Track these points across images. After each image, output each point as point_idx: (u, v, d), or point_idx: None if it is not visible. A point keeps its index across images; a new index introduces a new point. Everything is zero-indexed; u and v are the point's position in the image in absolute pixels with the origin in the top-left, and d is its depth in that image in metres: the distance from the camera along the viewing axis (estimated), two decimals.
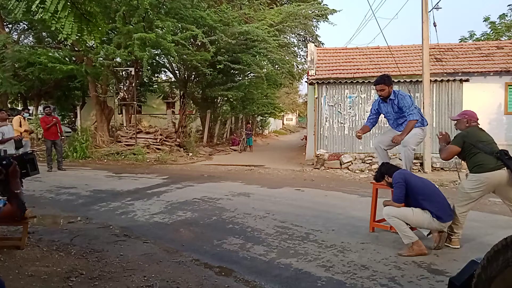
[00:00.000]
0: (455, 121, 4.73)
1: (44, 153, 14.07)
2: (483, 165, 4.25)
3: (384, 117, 5.50)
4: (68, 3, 3.80)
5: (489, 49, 14.78)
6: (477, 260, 2.07)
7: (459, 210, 4.45)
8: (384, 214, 4.50)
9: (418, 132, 5.10)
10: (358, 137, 5.51)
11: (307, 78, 15.13)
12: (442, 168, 11.36)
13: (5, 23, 18.22)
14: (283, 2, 24.08)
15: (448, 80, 11.63)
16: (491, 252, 1.91)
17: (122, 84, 17.09)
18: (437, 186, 4.85)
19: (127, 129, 16.38)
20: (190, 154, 15.58)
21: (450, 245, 4.49)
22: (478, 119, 4.60)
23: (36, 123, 16.32)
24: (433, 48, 13.40)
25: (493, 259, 1.88)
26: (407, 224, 4.36)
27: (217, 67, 15.96)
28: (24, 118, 10.71)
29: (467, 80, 11.57)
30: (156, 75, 21.68)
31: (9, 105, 21.34)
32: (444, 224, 4.33)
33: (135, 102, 16.54)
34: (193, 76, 19.05)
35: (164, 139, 15.99)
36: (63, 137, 12.06)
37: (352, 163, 11.82)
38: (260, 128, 33.59)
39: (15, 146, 8.92)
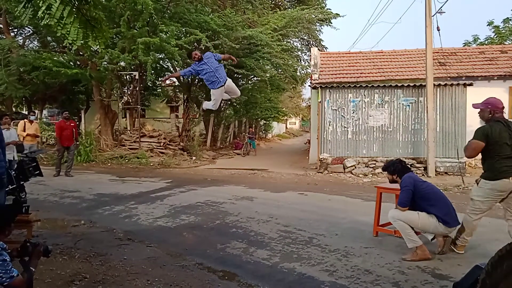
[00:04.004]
0: (478, 110, 4.36)
1: (48, 156, 14.16)
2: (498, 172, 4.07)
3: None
4: (74, 9, 3.83)
5: (493, 53, 14.74)
6: (481, 265, 2.07)
7: (472, 218, 4.37)
8: (390, 217, 4.49)
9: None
10: None
11: (311, 82, 15.15)
12: (446, 173, 11.31)
13: (10, 28, 18.38)
14: (286, 7, 24.13)
15: (451, 84, 11.60)
16: (495, 257, 1.91)
17: (126, 88, 17.16)
18: (441, 191, 4.83)
19: (131, 133, 16.42)
20: (194, 158, 15.60)
21: (455, 249, 4.47)
22: (503, 107, 4.29)
23: (41, 126, 16.38)
24: (437, 52, 13.37)
25: (497, 264, 1.88)
26: (412, 228, 4.35)
27: None
28: (31, 121, 10.74)
29: (471, 84, 11.53)
30: (160, 79, 21.76)
31: (13, 109, 21.47)
32: (450, 229, 4.31)
33: (139, 106, 16.60)
34: (196, 80, 19.10)
35: (168, 143, 16.02)
36: (77, 143, 11.81)
37: (355, 167, 11.79)
38: (264, 132, 33.59)
39: (17, 150, 8.96)
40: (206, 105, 7.16)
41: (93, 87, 16.45)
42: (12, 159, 8.12)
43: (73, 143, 11.05)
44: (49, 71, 14.56)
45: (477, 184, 4.33)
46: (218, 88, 6.52)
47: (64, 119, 11.09)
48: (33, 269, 2.41)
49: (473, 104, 4.46)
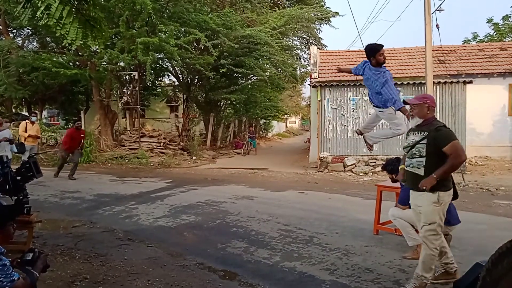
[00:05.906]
0: (413, 106, 3.57)
1: (48, 157, 14.16)
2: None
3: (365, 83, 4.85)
4: (73, 10, 3.83)
5: (492, 50, 14.73)
6: (482, 263, 2.07)
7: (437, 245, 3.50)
8: (390, 215, 4.49)
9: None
10: None
11: (310, 81, 15.13)
12: None
13: (9, 29, 18.37)
14: (285, 5, 24.10)
15: (451, 82, 11.59)
16: (495, 254, 1.91)
17: (125, 88, 17.16)
18: None
19: (130, 133, 16.42)
20: (194, 157, 15.60)
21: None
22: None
23: (41, 127, 16.36)
24: (436, 50, 13.35)
25: (497, 261, 1.88)
26: (412, 226, 4.35)
27: (220, 70, 15.99)
28: (32, 122, 10.71)
29: (470, 82, 11.52)
30: (159, 79, 21.76)
31: (13, 110, 21.47)
32: (450, 227, 4.30)
33: (138, 106, 16.60)
34: (196, 79, 19.10)
35: (168, 142, 16.02)
36: (82, 151, 11.68)
37: (355, 166, 11.79)
38: (264, 131, 33.59)
39: (19, 150, 8.92)
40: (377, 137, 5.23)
41: (93, 87, 16.45)
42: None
43: (77, 148, 10.76)
44: (48, 71, 14.56)
45: (436, 202, 3.36)
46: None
47: (76, 128, 10.88)
48: (37, 274, 2.39)
49: (404, 100, 3.84)
